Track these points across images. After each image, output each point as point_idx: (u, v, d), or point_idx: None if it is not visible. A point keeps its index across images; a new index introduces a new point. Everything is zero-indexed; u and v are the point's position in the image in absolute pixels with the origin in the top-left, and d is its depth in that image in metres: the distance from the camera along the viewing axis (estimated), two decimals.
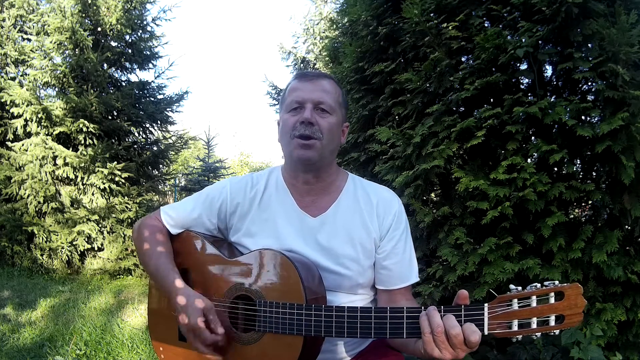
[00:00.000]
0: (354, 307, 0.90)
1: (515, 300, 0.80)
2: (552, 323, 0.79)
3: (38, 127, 5.18)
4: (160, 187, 6.63)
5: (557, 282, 0.80)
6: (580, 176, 1.99)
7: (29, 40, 5.89)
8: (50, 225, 5.12)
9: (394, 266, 1.09)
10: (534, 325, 0.79)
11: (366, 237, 1.08)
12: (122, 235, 5.17)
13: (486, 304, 0.81)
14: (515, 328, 0.79)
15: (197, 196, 1.20)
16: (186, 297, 1.01)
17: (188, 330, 0.99)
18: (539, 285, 0.80)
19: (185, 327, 1.00)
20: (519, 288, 0.81)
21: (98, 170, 5.07)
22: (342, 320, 0.90)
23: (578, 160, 1.99)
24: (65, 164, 5.11)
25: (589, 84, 1.92)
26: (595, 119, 1.87)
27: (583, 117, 1.84)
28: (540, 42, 1.85)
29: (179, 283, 1.04)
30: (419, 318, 0.84)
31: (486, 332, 0.80)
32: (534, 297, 0.80)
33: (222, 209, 1.15)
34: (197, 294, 1.02)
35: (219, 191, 1.17)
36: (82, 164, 5.08)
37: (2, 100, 5.19)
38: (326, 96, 1.07)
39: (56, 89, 5.53)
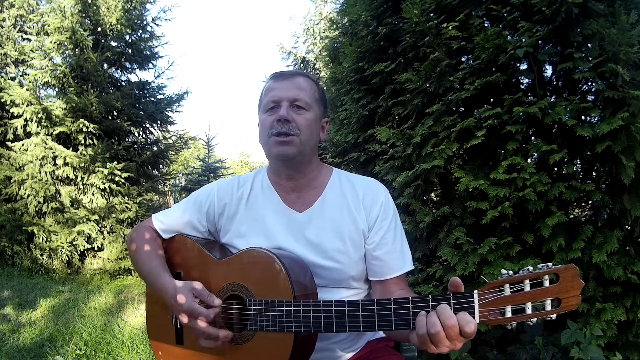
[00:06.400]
0: (340, 300, 0.89)
1: (507, 286, 0.76)
2: (548, 307, 0.75)
3: (38, 127, 5.19)
4: (160, 187, 6.64)
5: (550, 265, 0.76)
6: (580, 176, 1.99)
7: (29, 40, 5.89)
8: (50, 225, 5.13)
9: (385, 256, 1.09)
10: (529, 311, 0.75)
11: (354, 230, 1.09)
12: (122, 235, 5.17)
13: (476, 291, 0.78)
14: (509, 315, 0.76)
15: (187, 200, 1.21)
16: (176, 285, 1.02)
17: (185, 314, 0.99)
18: (531, 268, 0.77)
19: (182, 314, 0.99)
20: (510, 272, 0.78)
21: (98, 170, 5.07)
22: (330, 314, 0.89)
23: (578, 160, 1.99)
24: (65, 164, 5.12)
25: (589, 84, 1.92)
26: (595, 119, 1.87)
27: (583, 117, 1.84)
28: (540, 42, 1.85)
29: (170, 278, 1.06)
30: (407, 309, 0.83)
31: (477, 320, 0.77)
32: (527, 281, 0.76)
33: (210, 211, 1.17)
34: (186, 281, 1.03)
35: (207, 194, 1.18)
36: (82, 164, 5.09)
37: (2, 100, 5.19)
38: (301, 93, 1.08)
39: (56, 89, 5.53)
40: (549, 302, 0.75)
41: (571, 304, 0.75)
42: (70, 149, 5.29)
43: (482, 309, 0.77)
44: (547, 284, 0.76)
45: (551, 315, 0.75)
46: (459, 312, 0.77)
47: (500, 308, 0.77)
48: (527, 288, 0.76)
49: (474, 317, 0.77)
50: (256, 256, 1.02)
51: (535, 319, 0.76)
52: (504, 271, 0.78)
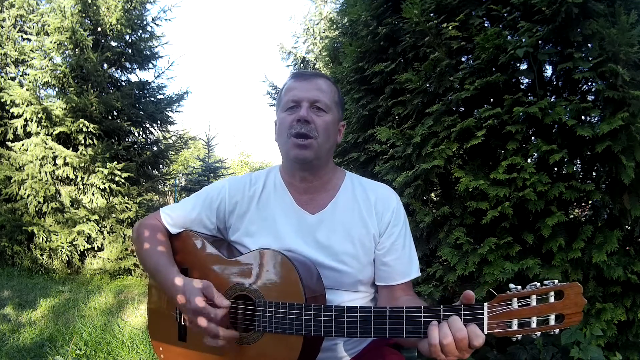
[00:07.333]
0: (353, 306, 0.90)
1: (515, 300, 0.80)
2: (552, 322, 0.79)
3: (38, 127, 5.18)
4: (160, 187, 6.63)
5: (556, 282, 0.79)
6: (580, 176, 1.99)
7: (29, 40, 5.89)
8: (50, 225, 5.12)
9: (394, 262, 1.10)
10: (534, 325, 0.79)
11: (365, 234, 1.09)
12: (122, 235, 5.17)
13: (486, 304, 0.81)
14: (515, 327, 0.80)
15: (196, 196, 1.20)
16: (184, 283, 1.01)
17: (192, 313, 0.98)
18: (538, 284, 0.80)
19: (189, 312, 0.99)
20: (519, 287, 0.81)
21: (98, 170, 5.07)
22: (341, 320, 0.89)
23: (578, 160, 1.99)
24: (65, 164, 5.11)
25: (589, 84, 1.92)
26: (595, 119, 1.87)
27: (583, 117, 1.84)
28: (540, 42, 1.85)
29: (178, 277, 1.04)
30: (419, 318, 0.84)
31: (486, 332, 0.80)
32: (534, 297, 0.79)
33: (221, 208, 1.16)
34: (195, 279, 1.02)
35: (218, 190, 1.17)
36: (82, 164, 5.08)
37: (2, 100, 5.19)
38: (322, 95, 1.08)
39: (56, 89, 5.53)
40: (553, 317, 0.79)
41: (573, 320, 0.79)
42: (70, 149, 5.29)
43: (490, 321, 0.80)
44: (552, 299, 0.79)
45: (554, 330, 0.79)
46: (470, 325, 0.80)
47: (507, 321, 0.80)
48: (534, 303, 0.80)
49: (482, 328, 0.80)
50: (267, 257, 1.01)
51: (539, 332, 0.80)
52: (512, 285, 0.82)
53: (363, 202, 1.12)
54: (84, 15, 5.37)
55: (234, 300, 1.03)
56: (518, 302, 0.80)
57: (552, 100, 1.89)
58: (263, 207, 1.14)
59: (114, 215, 5.15)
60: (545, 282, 0.80)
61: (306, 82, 1.10)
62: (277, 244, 1.07)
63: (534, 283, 0.81)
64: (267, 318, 0.96)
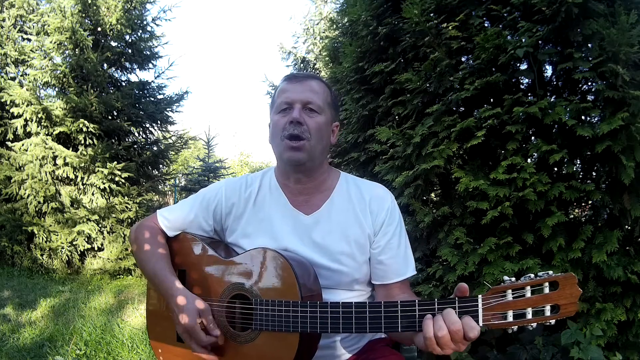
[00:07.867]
0: (348, 302, 0.91)
1: (510, 291, 0.80)
2: (548, 313, 0.79)
3: (38, 127, 5.19)
4: (160, 187, 6.64)
5: (551, 272, 0.79)
6: (580, 176, 1.99)
7: (29, 40, 5.89)
8: (50, 225, 5.13)
9: (390, 261, 1.11)
10: (529, 316, 0.79)
11: (360, 233, 1.10)
12: (122, 235, 5.17)
13: (480, 296, 0.81)
14: (510, 319, 0.80)
15: (193, 198, 1.21)
16: (184, 299, 1.02)
17: (184, 332, 1.02)
18: (532, 275, 0.80)
19: (181, 328, 1.02)
20: (513, 279, 0.81)
21: (98, 170, 5.07)
22: (337, 316, 0.90)
23: (578, 160, 1.99)
24: (65, 164, 5.12)
25: (589, 84, 1.92)
26: (595, 119, 1.87)
27: (583, 117, 1.84)
28: (540, 42, 1.85)
29: (177, 285, 1.06)
30: (413, 312, 0.85)
31: (481, 324, 0.80)
32: (528, 288, 0.79)
33: (218, 210, 1.17)
34: (195, 296, 1.04)
35: (215, 192, 1.18)
36: (82, 164, 5.09)
37: (2, 100, 5.19)
38: (314, 96, 1.09)
39: (56, 89, 5.53)
40: (548, 308, 0.79)
41: (569, 311, 0.78)
42: (70, 149, 5.29)
43: (485, 313, 0.81)
44: (547, 290, 0.79)
45: (550, 321, 0.79)
46: (464, 317, 0.80)
47: (502, 313, 0.80)
48: (528, 294, 0.80)
49: (477, 321, 0.80)
50: (263, 257, 1.02)
51: (535, 323, 0.79)
52: (506, 277, 0.82)
53: (358, 201, 1.13)
54: (84, 15, 5.37)
55: (231, 299, 1.04)
56: (512, 294, 0.80)
57: (552, 100, 1.89)
58: (259, 209, 1.14)
59: (114, 215, 5.15)
60: (540, 273, 0.80)
61: (299, 84, 1.10)
62: (274, 245, 1.07)
63: (529, 274, 0.81)
64: (264, 316, 0.97)
